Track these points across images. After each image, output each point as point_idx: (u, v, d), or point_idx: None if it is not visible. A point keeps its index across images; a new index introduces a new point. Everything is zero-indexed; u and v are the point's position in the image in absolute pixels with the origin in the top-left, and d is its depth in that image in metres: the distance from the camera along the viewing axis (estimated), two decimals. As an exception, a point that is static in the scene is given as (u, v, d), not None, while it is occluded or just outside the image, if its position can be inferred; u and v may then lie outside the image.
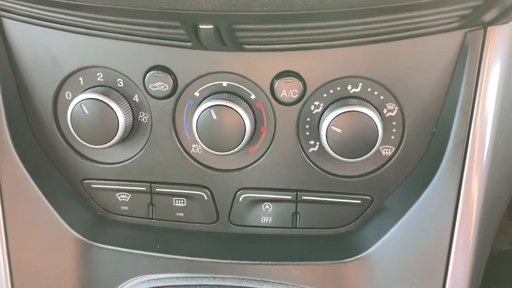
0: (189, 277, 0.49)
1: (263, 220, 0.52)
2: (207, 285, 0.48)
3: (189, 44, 0.44)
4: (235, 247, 0.51)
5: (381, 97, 0.47)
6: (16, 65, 0.49)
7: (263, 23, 0.40)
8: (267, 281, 0.48)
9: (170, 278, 0.49)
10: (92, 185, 0.52)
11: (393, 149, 0.49)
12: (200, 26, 0.39)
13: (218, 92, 0.48)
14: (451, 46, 0.45)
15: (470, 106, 0.45)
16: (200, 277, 0.49)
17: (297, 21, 0.40)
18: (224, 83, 0.48)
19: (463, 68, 0.45)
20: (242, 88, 0.48)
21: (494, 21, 0.43)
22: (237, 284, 0.48)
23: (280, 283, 0.48)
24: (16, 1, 0.42)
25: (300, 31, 0.42)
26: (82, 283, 0.51)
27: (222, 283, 0.48)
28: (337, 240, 0.51)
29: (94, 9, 0.40)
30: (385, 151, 0.49)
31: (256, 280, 0.48)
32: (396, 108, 0.47)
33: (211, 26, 0.39)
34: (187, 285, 0.48)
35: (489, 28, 0.44)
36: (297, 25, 0.41)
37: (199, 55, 0.46)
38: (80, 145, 0.51)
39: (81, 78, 0.49)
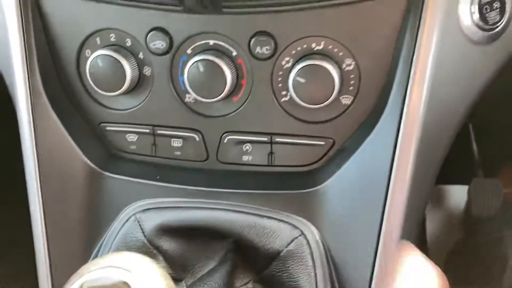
0: (182, 201, 0.60)
1: (244, 159, 0.62)
2: (196, 207, 0.60)
3: (180, 8, 0.54)
4: (221, 179, 0.62)
5: (340, 54, 0.56)
6: (47, 27, 0.61)
7: None
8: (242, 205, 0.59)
9: (166, 201, 0.61)
10: (107, 128, 0.64)
11: (352, 98, 0.58)
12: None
13: (206, 50, 0.58)
14: (397, 8, 0.54)
15: (409, 58, 0.53)
16: (191, 201, 0.60)
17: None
18: (211, 42, 0.58)
19: (406, 27, 0.53)
20: (225, 46, 0.58)
21: (430, -13, 0.51)
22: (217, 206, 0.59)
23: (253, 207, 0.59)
24: None
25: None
26: (93, 207, 0.63)
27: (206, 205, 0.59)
28: (303, 176, 0.61)
29: None
30: (344, 100, 0.58)
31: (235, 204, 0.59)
32: (353, 63, 0.56)
33: None
34: (179, 207, 0.60)
35: (426, -10, 0.52)
36: None
37: (190, 18, 0.57)
38: (97, 94, 0.63)
39: (97, 38, 0.60)
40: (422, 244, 1.67)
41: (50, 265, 0.62)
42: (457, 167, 1.70)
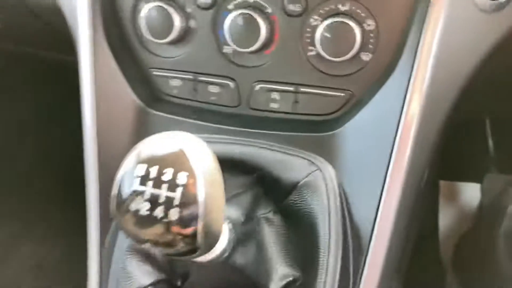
0: (215, 136, 0.69)
1: (271, 106, 0.71)
2: (228, 142, 0.68)
3: (225, -33, 0.63)
4: (251, 122, 0.71)
5: (363, 15, 0.64)
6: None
7: None
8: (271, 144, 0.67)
9: (201, 136, 0.69)
10: (154, 72, 0.74)
11: (370, 55, 0.66)
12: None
13: (244, 6, 0.67)
14: (414, -23, 0.62)
15: (422, 20, 0.61)
16: (223, 137, 0.69)
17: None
18: (250, 0, 0.67)
19: None
20: (262, 4, 0.66)
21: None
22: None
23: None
24: None
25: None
26: (137, 138, 0.72)
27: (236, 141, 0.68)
28: (324, 122, 0.69)
29: None
30: (364, 57, 0.66)
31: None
32: (374, 23, 0.64)
33: None
34: (212, 141, 0.68)
35: (441, -39, 0.60)
36: None
37: (233, -22, 0.66)
38: (148, 42, 0.72)
39: (152, -8, 0.70)
40: (433, 238, 1.72)
41: (100, 188, 0.71)
42: (472, 164, 1.76)
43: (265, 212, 0.67)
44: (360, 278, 0.65)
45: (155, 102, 0.73)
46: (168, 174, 0.40)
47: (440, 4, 0.61)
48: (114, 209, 0.43)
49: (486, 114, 1.56)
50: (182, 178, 0.40)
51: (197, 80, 0.72)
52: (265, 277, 0.62)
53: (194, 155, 0.42)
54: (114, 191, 0.43)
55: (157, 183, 0.40)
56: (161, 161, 0.41)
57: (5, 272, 1.71)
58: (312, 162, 0.65)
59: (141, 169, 0.41)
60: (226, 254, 0.55)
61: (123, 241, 0.65)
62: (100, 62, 0.72)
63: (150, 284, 0.64)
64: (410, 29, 0.63)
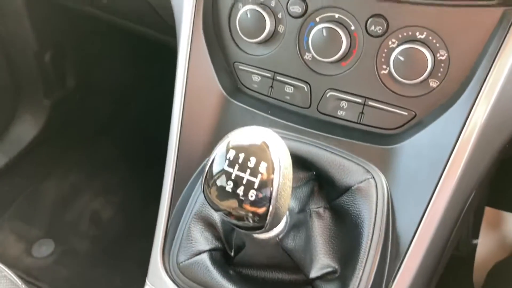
0: (284, 132, 0.77)
1: (339, 113, 0.78)
2: (295, 139, 0.76)
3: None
4: (318, 125, 0.78)
5: (437, 45, 0.70)
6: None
7: None
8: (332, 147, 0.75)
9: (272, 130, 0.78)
10: (239, 67, 0.83)
11: (438, 82, 0.71)
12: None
13: (331, 20, 0.74)
14: (492, 18, 0.66)
15: (491, 62, 0.66)
16: (291, 134, 0.77)
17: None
18: (336, 15, 0.74)
19: (495, 35, 0.66)
20: (347, 20, 0.73)
21: (525, 5, 0.64)
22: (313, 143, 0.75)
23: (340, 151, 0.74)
24: None
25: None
26: (218, 123, 0.82)
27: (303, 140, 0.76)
28: (384, 136, 0.76)
29: None
30: (432, 83, 0.72)
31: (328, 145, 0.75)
32: (446, 54, 0.70)
33: None
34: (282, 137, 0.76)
35: (520, 9, 0.65)
36: None
37: (326, -5, 0.73)
38: (238, 38, 0.81)
39: (250, -4, 0.78)
40: (469, 262, 1.74)
41: (177, 158, 0.82)
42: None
43: (316, 206, 0.74)
44: (393, 281, 0.71)
45: (236, 93, 0.82)
46: (251, 162, 0.49)
47: (509, 52, 0.65)
48: (203, 181, 0.52)
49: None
50: (262, 167, 0.49)
51: (275, 79, 0.81)
52: (309, 263, 0.70)
53: (274, 149, 0.50)
54: (207, 166, 0.52)
55: (242, 167, 0.49)
56: (247, 150, 0.50)
57: (63, 217, 1.89)
58: (367, 170, 0.72)
59: (231, 154, 0.50)
60: (281, 236, 0.63)
61: (192, 207, 0.75)
62: (194, 49, 0.81)
63: (208, 250, 0.73)
64: (480, 64, 0.68)
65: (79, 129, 2.05)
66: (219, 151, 0.51)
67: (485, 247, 1.78)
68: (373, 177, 0.72)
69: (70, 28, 1.81)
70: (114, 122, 2.10)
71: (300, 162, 0.75)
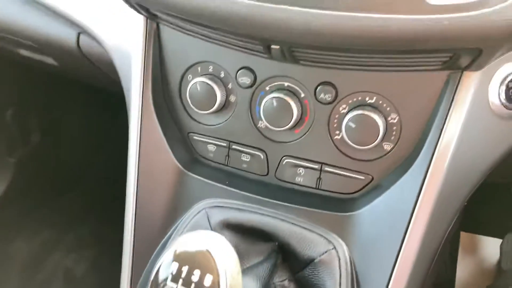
0: (243, 204, 0.76)
1: (296, 179, 0.77)
2: (253, 211, 0.74)
3: (266, 55, 0.70)
4: (277, 193, 0.77)
5: (388, 108, 0.69)
6: (162, 53, 0.78)
7: (312, 49, 0.65)
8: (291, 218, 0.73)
9: (230, 202, 0.76)
10: (194, 137, 0.81)
11: (392, 145, 0.71)
12: (272, 46, 0.65)
13: (280, 89, 0.73)
14: (438, 81, 0.66)
15: (442, 122, 0.66)
16: (250, 205, 0.75)
17: (337, 51, 0.65)
18: (286, 84, 0.73)
19: (444, 96, 0.66)
20: (296, 89, 0.73)
21: (467, 68, 0.64)
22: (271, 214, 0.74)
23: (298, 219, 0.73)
24: (176, 20, 0.71)
25: (338, 57, 0.66)
26: (174, 198, 0.80)
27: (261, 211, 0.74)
28: (343, 201, 0.75)
29: (213, 31, 0.68)
30: (386, 146, 0.71)
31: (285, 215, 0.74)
32: (397, 117, 0.69)
33: (278, 47, 0.65)
34: (240, 209, 0.75)
35: (464, 72, 0.65)
36: (341, 54, 0.65)
37: (273, 63, 0.72)
38: (191, 110, 0.80)
39: (199, 67, 0.77)
40: (449, 288, 1.73)
41: (134, 236, 0.79)
42: (496, 220, 1.76)
43: (281, 280, 0.72)
44: None
45: (191, 164, 0.81)
46: (196, 276, 0.47)
47: (461, 109, 0.65)
48: (149, 290, 0.50)
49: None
50: (208, 280, 0.47)
51: (231, 148, 0.79)
52: None
53: (219, 258, 0.48)
54: (150, 278, 0.50)
55: (186, 282, 0.47)
56: (191, 260, 0.48)
57: (35, 277, 1.83)
58: (329, 241, 0.71)
59: (174, 267, 0.48)
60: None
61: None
62: (145, 123, 0.80)
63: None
64: (431, 126, 0.68)
65: (46, 184, 2.00)
66: (164, 260, 0.49)
67: (464, 272, 1.78)
68: (335, 247, 0.70)
69: (30, 85, 1.78)
70: (82, 174, 2.06)
71: (260, 235, 0.74)
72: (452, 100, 0.66)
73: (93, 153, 2.11)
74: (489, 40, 0.55)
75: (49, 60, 1.15)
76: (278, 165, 0.77)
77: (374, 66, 0.66)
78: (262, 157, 0.78)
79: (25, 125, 1.83)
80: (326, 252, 0.70)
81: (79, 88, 1.87)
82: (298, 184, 0.77)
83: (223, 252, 0.49)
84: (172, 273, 0.47)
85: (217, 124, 0.79)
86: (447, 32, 0.54)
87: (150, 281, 0.49)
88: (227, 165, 0.80)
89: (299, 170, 0.76)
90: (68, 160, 2.04)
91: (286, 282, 0.72)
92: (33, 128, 1.87)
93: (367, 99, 0.70)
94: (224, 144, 0.79)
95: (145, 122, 0.79)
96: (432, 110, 0.68)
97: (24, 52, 1.20)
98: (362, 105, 0.70)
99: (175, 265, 0.47)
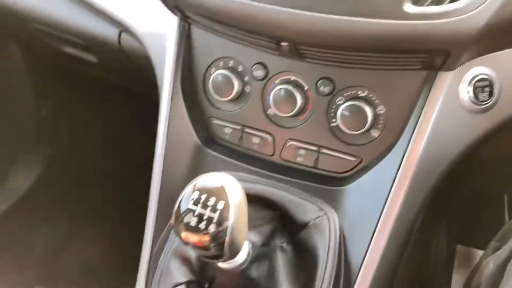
0: (251, 177, 0.90)
1: (298, 159, 0.90)
2: (260, 182, 0.88)
3: (277, 52, 0.85)
4: (280, 169, 0.91)
5: (376, 101, 0.83)
6: (191, 49, 0.94)
7: (313, 46, 0.80)
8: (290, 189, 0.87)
9: (241, 175, 0.90)
10: (213, 121, 0.95)
11: (379, 132, 0.84)
12: (281, 43, 0.80)
13: (287, 82, 0.88)
14: (418, 79, 0.80)
15: (419, 114, 0.79)
16: (257, 178, 0.89)
17: (333, 48, 0.79)
18: (292, 78, 0.87)
19: (421, 92, 0.80)
20: (300, 82, 0.87)
21: (441, 68, 0.78)
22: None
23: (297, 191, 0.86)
24: (205, 21, 0.86)
25: (335, 55, 0.80)
26: (193, 170, 0.94)
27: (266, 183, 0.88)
28: (336, 179, 0.88)
29: (235, 30, 0.83)
30: (373, 133, 0.84)
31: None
32: (384, 109, 0.83)
33: (286, 43, 0.79)
34: (249, 180, 0.88)
35: (439, 72, 0.79)
36: (337, 51, 0.79)
37: (282, 60, 0.86)
38: (211, 97, 0.94)
39: (221, 62, 0.92)
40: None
41: (159, 200, 0.93)
42: (491, 233, 1.85)
43: (280, 242, 0.85)
44: (346, 306, 0.82)
45: (210, 143, 0.95)
46: (211, 201, 0.61)
47: (434, 104, 0.79)
48: (173, 218, 0.64)
49: (505, 189, 1.68)
50: (220, 205, 0.61)
51: (244, 131, 0.94)
52: None
53: (230, 191, 0.62)
54: (175, 206, 0.64)
55: (204, 205, 0.61)
56: (209, 192, 0.62)
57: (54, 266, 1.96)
58: (321, 208, 0.84)
59: (195, 195, 0.62)
60: (244, 266, 0.74)
61: (170, 245, 0.86)
62: (174, 106, 0.95)
63: (184, 282, 0.83)
64: (410, 116, 0.81)
65: (71, 179, 2.15)
66: (186, 192, 0.63)
67: (460, 286, 1.86)
68: (326, 214, 0.83)
69: (67, 86, 1.95)
70: (105, 171, 2.21)
71: (263, 203, 0.87)
72: (428, 96, 0.80)
73: (115, 153, 2.26)
74: (451, 43, 0.70)
75: (90, 57, 1.32)
76: (283, 147, 0.91)
77: (363, 64, 0.81)
78: (269, 139, 0.92)
79: (57, 121, 2.00)
80: (318, 217, 0.83)
81: (110, 91, 2.05)
82: (298, 163, 0.91)
83: (233, 187, 0.63)
84: (193, 199, 0.61)
85: (233, 111, 0.94)
86: (417, 35, 0.69)
87: (174, 211, 0.63)
88: (240, 146, 0.94)
89: (300, 151, 0.90)
90: (93, 158, 2.20)
91: (284, 244, 0.85)
92: (64, 125, 2.04)
93: (359, 92, 0.84)
94: (238, 128, 0.94)
95: (174, 105, 0.95)
96: (412, 104, 0.82)
97: (68, 49, 1.37)
98: (355, 97, 0.84)
99: (196, 193, 0.61)
